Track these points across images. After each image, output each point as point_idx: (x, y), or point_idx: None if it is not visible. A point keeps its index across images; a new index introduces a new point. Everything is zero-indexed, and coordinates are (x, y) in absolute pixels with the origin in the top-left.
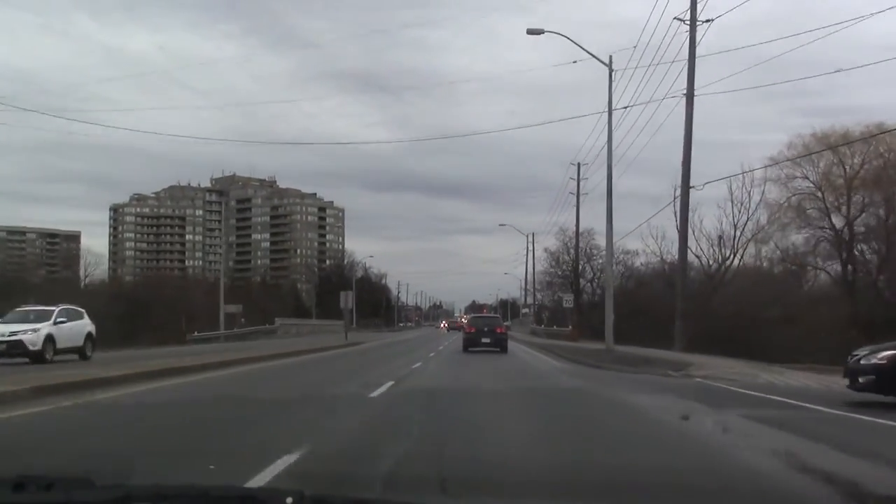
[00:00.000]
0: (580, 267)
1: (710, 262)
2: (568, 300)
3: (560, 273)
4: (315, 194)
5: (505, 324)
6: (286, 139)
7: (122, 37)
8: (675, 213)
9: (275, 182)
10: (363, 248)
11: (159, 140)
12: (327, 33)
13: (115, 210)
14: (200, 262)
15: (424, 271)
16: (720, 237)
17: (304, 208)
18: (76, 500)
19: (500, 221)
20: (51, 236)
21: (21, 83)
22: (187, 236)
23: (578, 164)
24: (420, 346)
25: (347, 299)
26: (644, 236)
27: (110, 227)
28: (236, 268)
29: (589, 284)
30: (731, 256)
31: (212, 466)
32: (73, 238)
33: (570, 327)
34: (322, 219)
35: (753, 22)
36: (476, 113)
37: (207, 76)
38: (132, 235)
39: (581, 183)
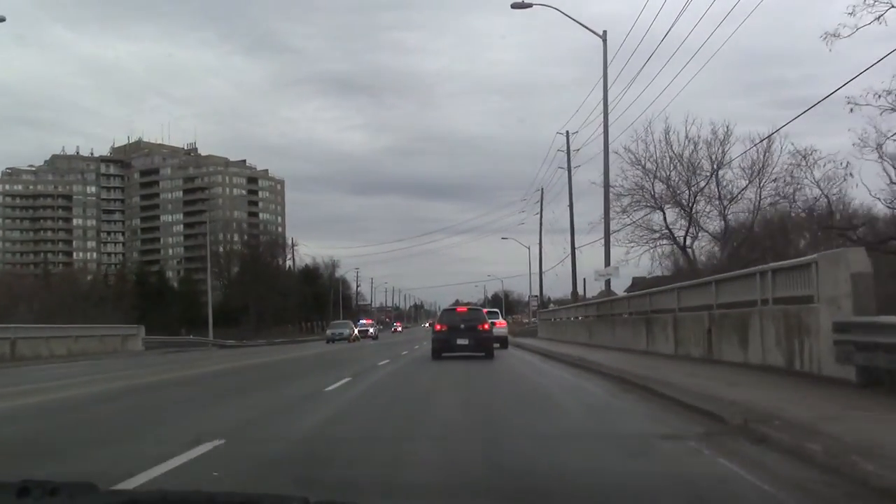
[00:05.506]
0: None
1: None
2: None
3: None
4: (244, 161)
5: (495, 320)
6: (266, 144)
7: (97, 46)
8: None
9: (194, 150)
10: (344, 251)
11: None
12: (306, 38)
13: None
14: (95, 255)
15: (409, 274)
16: None
17: (227, 179)
18: None
19: (484, 223)
20: None
21: None
22: (75, 220)
23: None
24: None
25: None
26: None
27: None
28: (143, 259)
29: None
30: None
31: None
32: None
33: None
34: (253, 192)
35: None
36: (456, 113)
37: (185, 83)
38: (0, 222)
39: None
